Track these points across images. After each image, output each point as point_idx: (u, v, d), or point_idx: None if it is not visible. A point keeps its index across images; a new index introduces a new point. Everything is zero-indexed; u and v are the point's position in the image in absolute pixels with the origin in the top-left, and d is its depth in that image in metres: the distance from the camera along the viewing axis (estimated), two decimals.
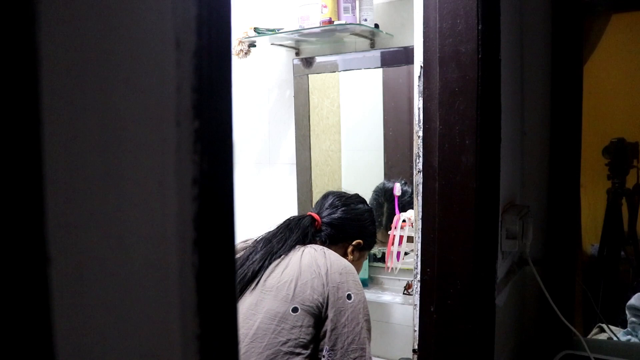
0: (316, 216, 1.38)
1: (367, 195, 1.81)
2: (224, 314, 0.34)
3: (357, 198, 1.46)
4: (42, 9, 0.23)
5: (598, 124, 1.91)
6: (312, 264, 1.20)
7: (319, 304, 1.16)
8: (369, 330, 1.20)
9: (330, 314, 1.15)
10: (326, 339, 1.15)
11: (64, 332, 0.25)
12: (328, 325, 1.15)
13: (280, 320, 1.14)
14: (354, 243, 1.38)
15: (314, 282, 1.17)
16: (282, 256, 1.26)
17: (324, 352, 1.15)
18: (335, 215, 1.38)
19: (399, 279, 1.67)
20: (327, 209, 1.40)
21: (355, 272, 1.26)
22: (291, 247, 1.28)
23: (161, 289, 0.30)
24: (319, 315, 1.16)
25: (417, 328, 1.08)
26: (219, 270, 0.34)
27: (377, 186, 1.84)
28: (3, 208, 0.22)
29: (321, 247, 1.29)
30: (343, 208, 1.39)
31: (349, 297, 1.17)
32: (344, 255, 1.36)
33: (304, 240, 1.31)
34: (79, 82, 0.25)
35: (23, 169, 0.23)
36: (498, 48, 1.06)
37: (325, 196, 1.45)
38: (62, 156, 0.24)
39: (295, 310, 1.15)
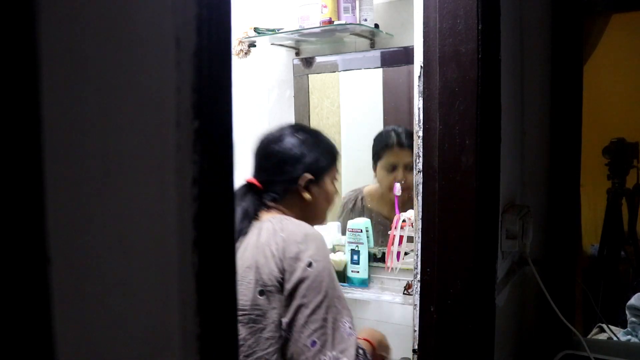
0: (252, 180, 1.25)
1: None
2: (224, 314, 0.34)
3: (280, 132, 1.25)
4: (42, 8, 0.23)
5: (598, 124, 1.91)
6: (270, 241, 1.10)
7: (280, 280, 1.06)
8: (339, 298, 1.08)
9: (288, 285, 1.05)
10: (285, 312, 1.05)
11: (64, 332, 0.25)
12: (285, 297, 1.06)
13: (251, 308, 1.07)
14: (300, 182, 1.19)
15: (270, 262, 1.07)
16: (239, 239, 1.15)
17: (283, 326, 1.06)
18: (264, 166, 1.24)
19: (399, 279, 1.67)
20: (255, 165, 1.26)
21: (319, 238, 1.11)
22: (243, 229, 1.15)
23: (161, 289, 0.30)
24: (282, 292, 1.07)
25: (417, 328, 1.08)
26: (219, 270, 0.34)
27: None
28: (3, 208, 0.22)
29: (279, 218, 1.15)
30: (265, 155, 1.24)
31: (309, 264, 1.06)
32: (302, 201, 1.21)
33: (256, 212, 1.18)
34: (79, 82, 0.25)
35: (23, 169, 0.23)
36: (498, 48, 1.06)
37: (253, 153, 1.29)
38: (62, 156, 0.24)
39: (261, 293, 1.07)
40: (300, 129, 1.30)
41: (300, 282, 1.05)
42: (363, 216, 1.76)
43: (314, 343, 1.03)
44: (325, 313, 1.05)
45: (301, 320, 1.04)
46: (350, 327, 1.08)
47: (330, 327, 1.05)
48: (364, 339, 1.25)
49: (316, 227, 1.21)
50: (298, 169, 1.20)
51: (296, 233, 1.10)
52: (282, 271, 1.06)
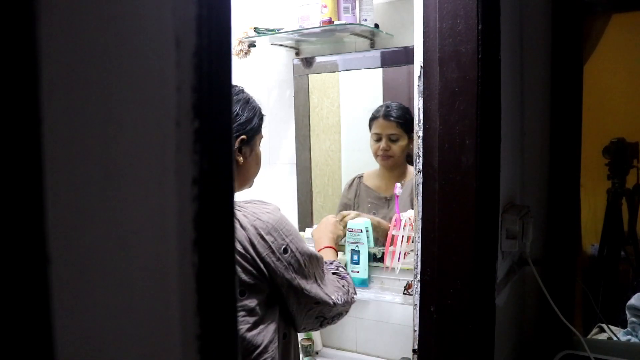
0: None
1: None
2: (224, 314, 0.34)
3: None
4: (42, 8, 0.23)
5: (598, 124, 1.91)
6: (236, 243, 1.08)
7: (258, 277, 1.07)
8: (315, 258, 1.14)
9: (278, 279, 1.08)
10: (290, 301, 1.10)
11: (64, 332, 0.25)
12: (283, 287, 1.09)
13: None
14: (235, 144, 1.13)
15: (242, 262, 1.06)
16: None
17: (293, 311, 1.12)
18: None
19: (399, 279, 1.67)
20: None
21: (277, 215, 1.10)
22: None
23: (161, 289, 0.30)
24: (264, 288, 1.09)
25: (417, 328, 1.08)
26: (219, 270, 0.34)
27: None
28: (3, 208, 0.22)
29: (237, 209, 1.09)
30: None
31: (285, 250, 1.08)
32: (237, 163, 1.14)
33: None
34: (79, 82, 0.25)
35: (23, 169, 0.23)
36: (498, 48, 1.06)
37: None
38: (62, 156, 0.24)
39: (242, 293, 1.06)
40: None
41: (285, 271, 1.08)
42: (357, 192, 1.85)
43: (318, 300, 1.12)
44: (314, 280, 1.12)
45: (302, 299, 1.11)
46: (325, 271, 1.18)
47: (321, 283, 1.14)
48: (327, 247, 1.40)
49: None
50: (234, 130, 1.14)
51: (260, 225, 1.08)
52: (260, 269, 1.07)
